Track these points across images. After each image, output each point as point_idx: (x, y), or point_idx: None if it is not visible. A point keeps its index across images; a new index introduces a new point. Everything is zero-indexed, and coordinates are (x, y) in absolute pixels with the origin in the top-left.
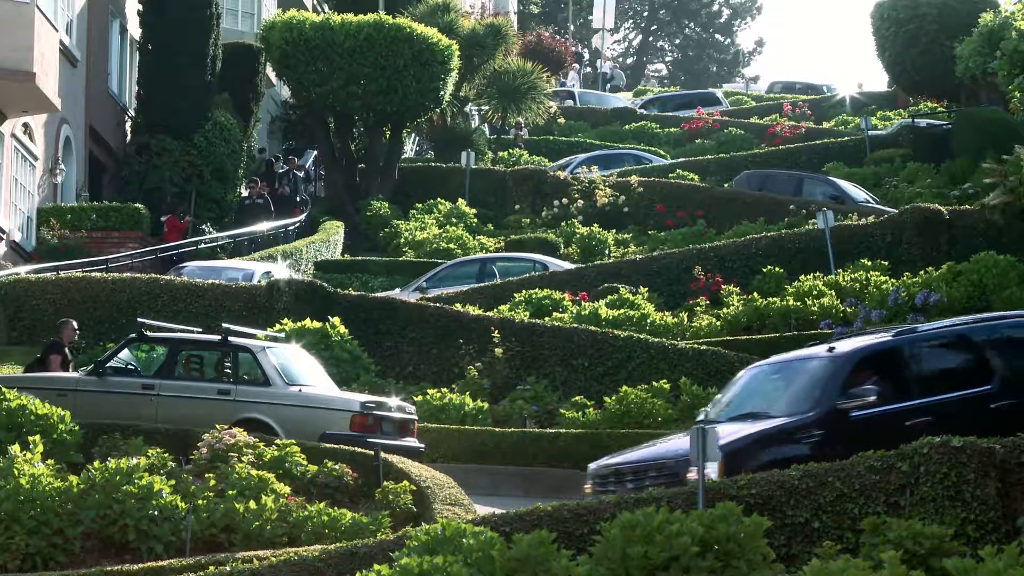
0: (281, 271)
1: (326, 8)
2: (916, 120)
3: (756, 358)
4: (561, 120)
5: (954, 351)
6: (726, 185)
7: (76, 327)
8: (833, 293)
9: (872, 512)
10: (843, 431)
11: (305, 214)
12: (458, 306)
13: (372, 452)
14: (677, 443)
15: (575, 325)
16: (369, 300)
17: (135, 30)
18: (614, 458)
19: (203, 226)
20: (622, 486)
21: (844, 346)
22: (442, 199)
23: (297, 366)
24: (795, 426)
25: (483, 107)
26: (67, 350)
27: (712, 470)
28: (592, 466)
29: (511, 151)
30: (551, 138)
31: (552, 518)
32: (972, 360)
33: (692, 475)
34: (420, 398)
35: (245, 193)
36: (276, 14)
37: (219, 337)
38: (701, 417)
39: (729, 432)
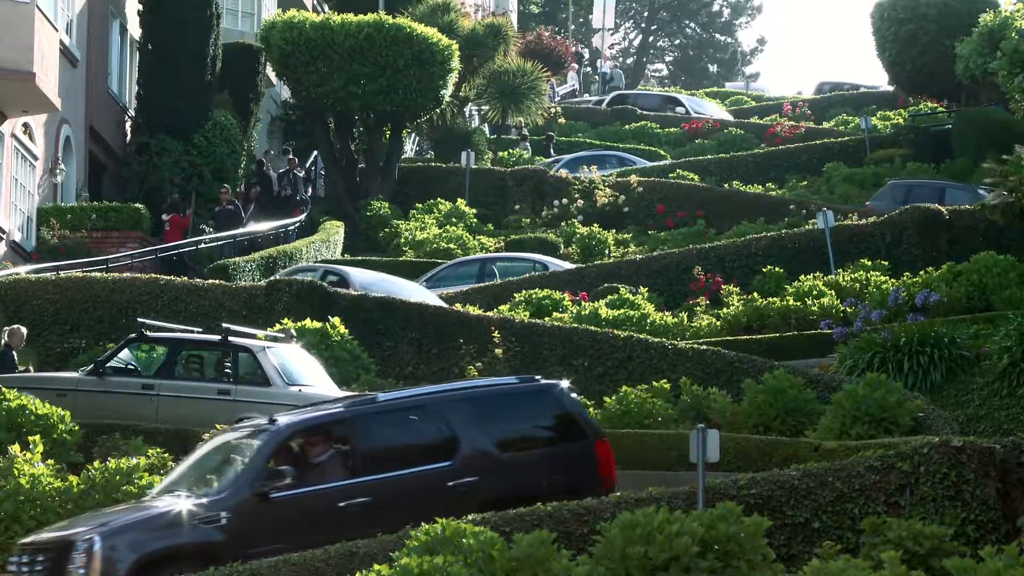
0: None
1: (326, 8)
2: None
3: (756, 358)
4: (561, 120)
5: (416, 424)
6: (868, 204)
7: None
8: (833, 293)
9: (872, 512)
10: (260, 514)
11: (305, 214)
12: (458, 306)
13: None
14: (86, 521)
15: (575, 325)
16: (369, 300)
17: (135, 30)
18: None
19: (203, 226)
20: (22, 568)
21: (285, 418)
22: (442, 199)
23: (297, 366)
24: (196, 510)
25: (483, 107)
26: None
27: (89, 565)
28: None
29: (512, 151)
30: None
31: (552, 518)
32: (435, 434)
33: (76, 566)
34: None
35: (253, 193)
36: (276, 14)
37: (219, 337)
38: (155, 490)
39: (115, 517)
